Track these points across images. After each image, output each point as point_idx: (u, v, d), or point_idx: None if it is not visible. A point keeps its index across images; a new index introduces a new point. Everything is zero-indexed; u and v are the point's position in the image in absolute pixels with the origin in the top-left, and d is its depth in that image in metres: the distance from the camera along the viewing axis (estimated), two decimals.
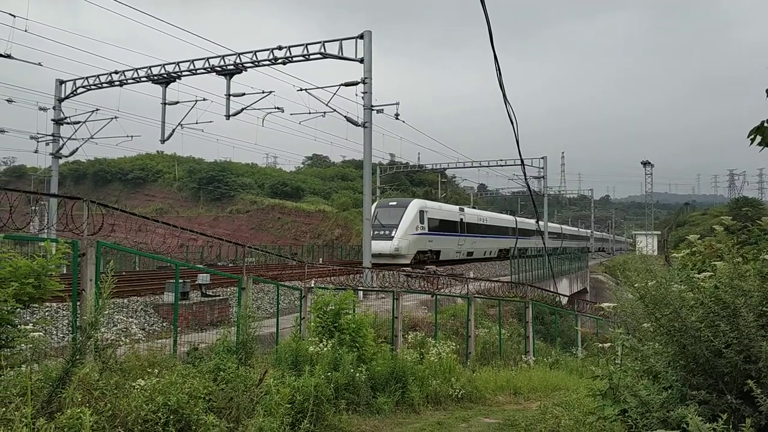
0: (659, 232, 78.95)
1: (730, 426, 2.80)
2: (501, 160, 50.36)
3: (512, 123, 9.02)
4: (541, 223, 55.54)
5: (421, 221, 32.68)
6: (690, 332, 3.36)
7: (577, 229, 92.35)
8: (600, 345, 4.37)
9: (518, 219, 55.45)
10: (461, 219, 39.24)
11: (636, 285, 3.87)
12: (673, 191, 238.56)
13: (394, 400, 8.47)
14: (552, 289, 27.60)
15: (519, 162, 11.75)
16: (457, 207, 41.35)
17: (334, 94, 24.22)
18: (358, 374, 8.07)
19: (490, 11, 6.90)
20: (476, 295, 17.32)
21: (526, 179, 14.17)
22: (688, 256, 4.85)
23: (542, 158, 52.08)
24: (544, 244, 27.50)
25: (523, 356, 15.55)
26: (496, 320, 17.75)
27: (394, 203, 34.18)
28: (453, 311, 18.27)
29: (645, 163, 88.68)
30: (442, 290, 21.84)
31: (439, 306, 16.02)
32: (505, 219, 52.02)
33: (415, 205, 33.43)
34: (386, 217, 32.00)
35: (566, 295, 32.34)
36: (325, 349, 8.32)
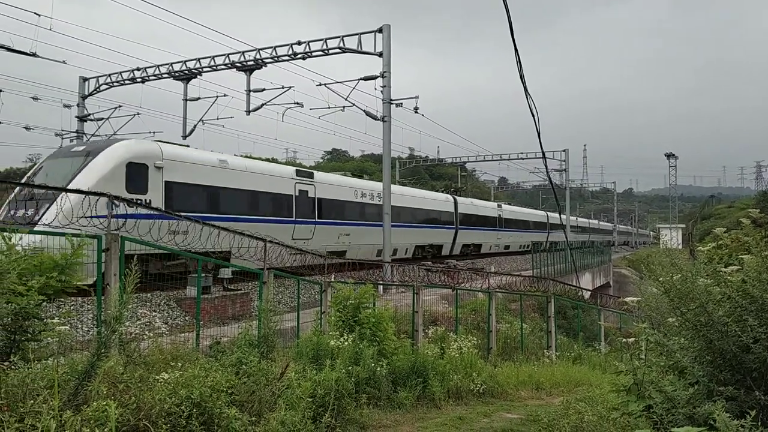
0: (684, 226, 77.94)
1: (759, 423, 2.75)
2: (522, 153, 49.84)
3: (533, 116, 8.94)
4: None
5: (140, 188, 15.53)
6: (717, 327, 3.30)
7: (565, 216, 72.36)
8: (624, 340, 4.32)
9: (459, 199, 37.89)
10: (301, 191, 21.66)
11: (661, 279, 3.81)
12: (698, 183, 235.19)
13: (415, 394, 8.47)
14: (574, 284, 27.37)
15: (540, 155, 11.63)
16: (293, 169, 23.21)
17: (353, 88, 24.22)
18: (378, 368, 8.08)
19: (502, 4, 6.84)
20: (497, 290, 17.23)
21: (547, 172, 14.06)
22: (714, 249, 4.77)
23: (564, 151, 51.42)
24: (566, 238, 27.24)
25: (545, 351, 15.46)
26: (517, 315, 17.65)
27: (80, 149, 16.16)
28: (474, 306, 18.21)
29: (669, 156, 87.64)
30: (463, 284, 21.78)
31: (459, 300, 15.98)
32: (430, 199, 33.60)
33: (120, 152, 15.46)
34: (48, 179, 15.01)
35: (589, 290, 31.99)
36: (346, 343, 8.34)
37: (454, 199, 36.65)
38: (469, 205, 38.98)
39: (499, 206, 44.85)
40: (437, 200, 34.57)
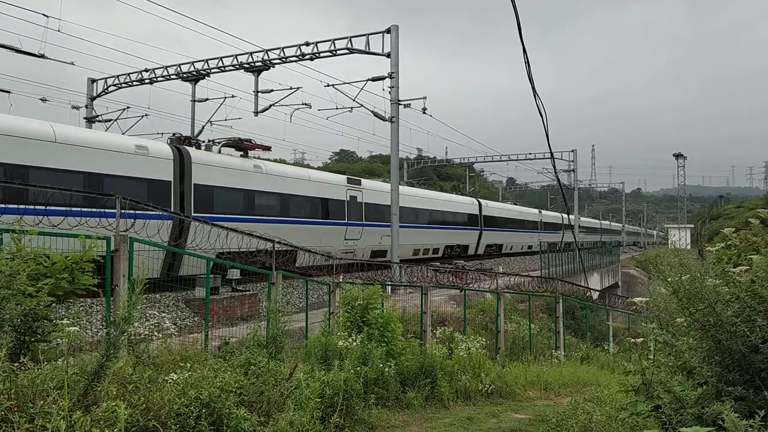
0: (692, 226, 77.50)
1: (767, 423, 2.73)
2: (530, 154, 49.75)
3: (542, 116, 8.93)
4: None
5: None
6: (725, 327, 3.29)
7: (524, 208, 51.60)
8: (632, 340, 4.30)
9: (271, 167, 20.90)
10: None
11: (669, 279, 3.79)
12: (706, 183, 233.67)
13: (423, 394, 8.47)
14: (582, 284, 27.28)
15: (548, 155, 11.61)
16: None
17: (361, 89, 24.24)
18: (387, 369, 8.08)
19: (519, 4, 6.83)
20: (505, 290, 17.20)
21: (556, 173, 14.04)
22: (722, 249, 4.73)
23: (572, 151, 51.19)
24: (575, 238, 27.15)
25: (553, 351, 15.42)
26: (525, 315, 17.61)
27: None
28: (482, 306, 18.18)
29: (678, 156, 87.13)
30: (471, 285, 21.75)
31: (467, 301, 15.96)
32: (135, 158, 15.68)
33: None
34: None
35: (597, 290, 31.87)
36: (354, 343, 8.35)
37: (297, 174, 20.98)
38: (306, 181, 21.75)
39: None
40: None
